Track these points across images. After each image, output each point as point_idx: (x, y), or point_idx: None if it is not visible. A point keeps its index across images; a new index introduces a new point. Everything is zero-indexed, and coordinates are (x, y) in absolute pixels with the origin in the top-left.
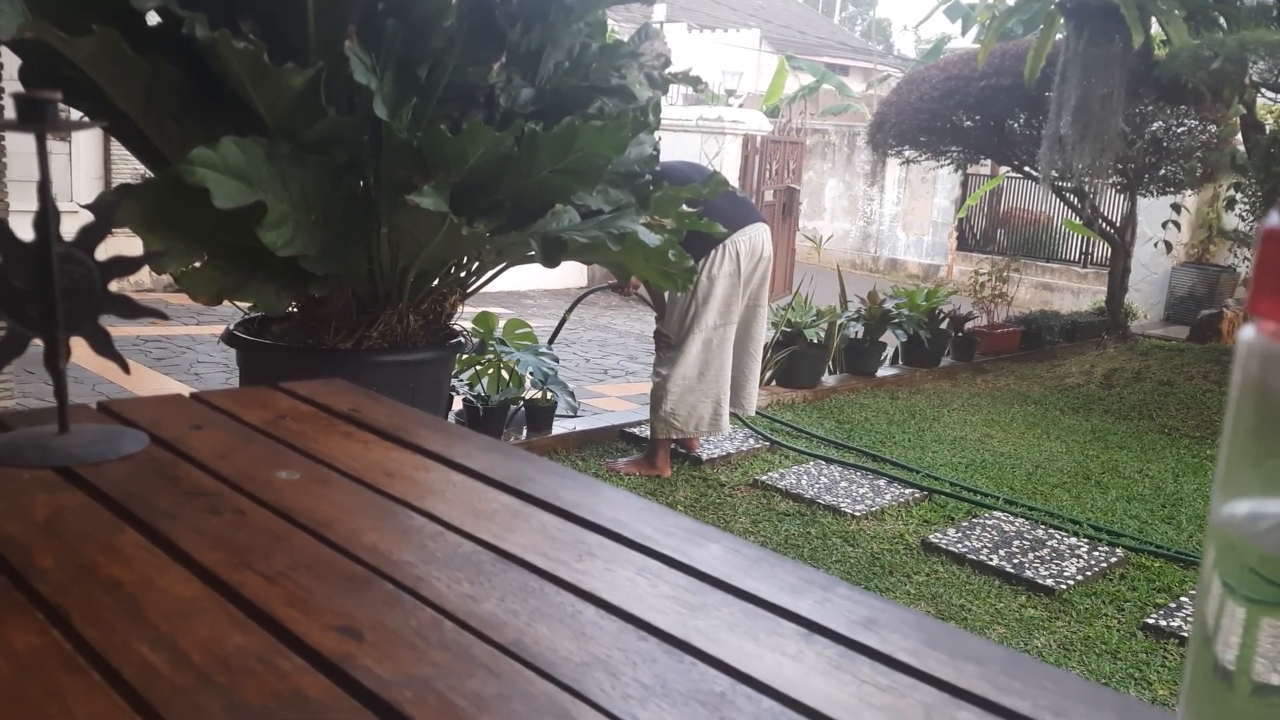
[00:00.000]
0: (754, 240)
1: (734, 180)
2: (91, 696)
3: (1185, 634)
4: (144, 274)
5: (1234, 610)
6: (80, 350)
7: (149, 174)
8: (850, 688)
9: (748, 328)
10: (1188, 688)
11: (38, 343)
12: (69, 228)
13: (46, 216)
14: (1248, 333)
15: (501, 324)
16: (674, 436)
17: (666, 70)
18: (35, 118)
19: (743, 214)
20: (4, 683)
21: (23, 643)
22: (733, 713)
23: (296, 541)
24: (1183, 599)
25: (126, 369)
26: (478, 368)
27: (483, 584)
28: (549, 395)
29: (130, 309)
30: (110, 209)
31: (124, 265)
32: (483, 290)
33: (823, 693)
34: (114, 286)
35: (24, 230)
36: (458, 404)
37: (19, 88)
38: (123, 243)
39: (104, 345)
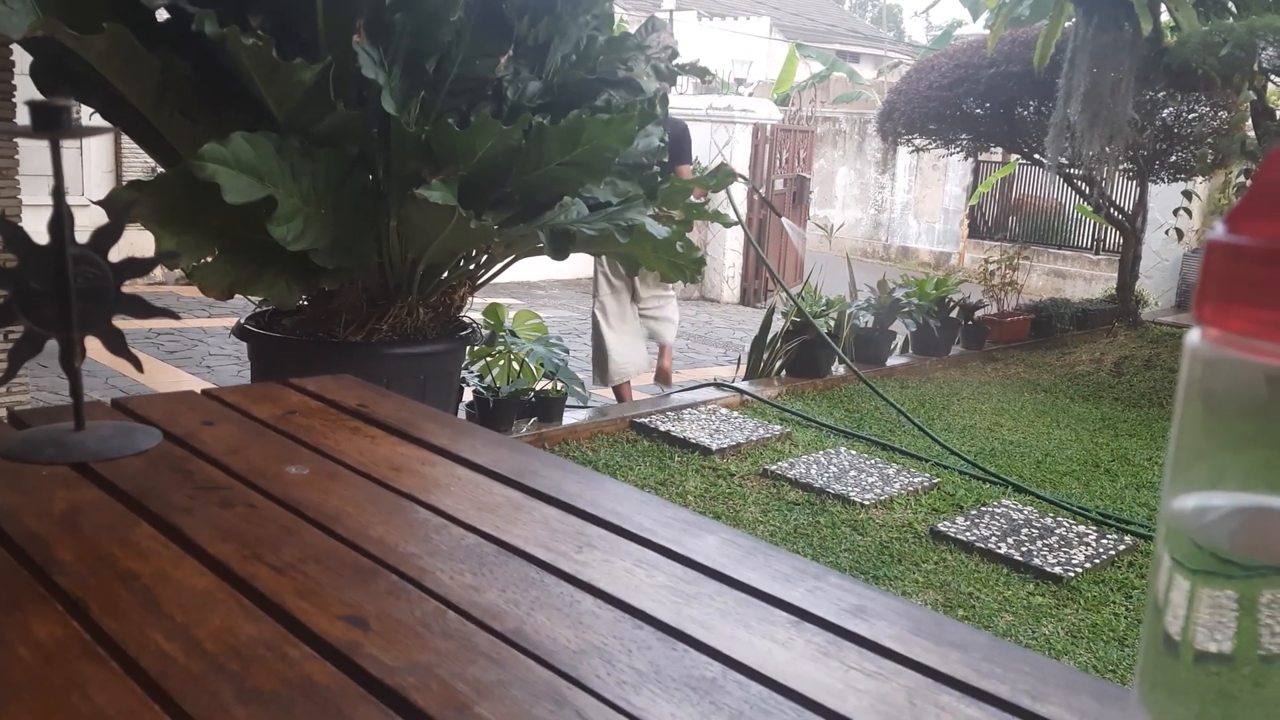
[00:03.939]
0: None
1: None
2: (110, 684)
3: None
4: (156, 268)
5: (1180, 583)
6: (94, 345)
7: (160, 169)
8: (837, 673)
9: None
10: (1142, 660)
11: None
12: (81, 223)
13: (61, 220)
14: (1193, 338)
15: (512, 315)
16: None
17: (674, 62)
18: (49, 125)
19: None
20: (29, 671)
21: (44, 633)
22: (723, 698)
23: (306, 534)
24: None
25: (140, 368)
26: (488, 359)
27: (485, 575)
28: (559, 386)
29: (143, 309)
30: (124, 210)
31: (137, 266)
32: (493, 281)
33: (810, 678)
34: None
35: (34, 227)
36: (468, 395)
37: (30, 84)
38: (134, 236)
39: (118, 344)
